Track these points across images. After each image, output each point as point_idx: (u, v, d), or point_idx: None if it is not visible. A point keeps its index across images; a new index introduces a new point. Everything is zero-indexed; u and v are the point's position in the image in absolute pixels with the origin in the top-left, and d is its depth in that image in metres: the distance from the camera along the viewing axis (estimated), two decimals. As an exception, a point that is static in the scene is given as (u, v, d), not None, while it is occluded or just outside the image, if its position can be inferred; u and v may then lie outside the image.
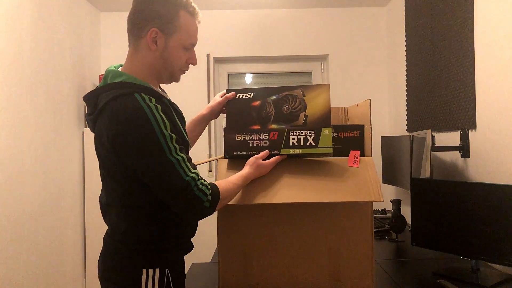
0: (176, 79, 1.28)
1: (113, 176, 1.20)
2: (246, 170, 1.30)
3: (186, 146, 1.21)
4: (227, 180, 1.25)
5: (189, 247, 1.31)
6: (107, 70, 1.22)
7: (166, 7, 1.18)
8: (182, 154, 1.14)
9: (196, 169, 1.18)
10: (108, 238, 1.25)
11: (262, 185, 1.31)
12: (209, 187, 1.17)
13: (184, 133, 1.22)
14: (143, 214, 1.20)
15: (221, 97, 1.46)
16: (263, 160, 1.33)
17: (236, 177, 1.27)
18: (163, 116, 1.13)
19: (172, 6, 1.18)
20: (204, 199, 1.14)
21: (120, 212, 1.22)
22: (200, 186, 1.15)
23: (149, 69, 1.22)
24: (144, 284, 1.17)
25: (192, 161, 1.23)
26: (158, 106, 1.13)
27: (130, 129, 1.10)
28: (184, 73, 1.28)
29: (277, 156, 1.34)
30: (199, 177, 1.16)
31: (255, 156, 1.33)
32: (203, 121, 1.51)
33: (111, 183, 1.21)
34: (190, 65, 1.29)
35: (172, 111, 1.20)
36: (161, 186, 1.13)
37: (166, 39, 1.19)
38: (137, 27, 1.20)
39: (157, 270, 1.19)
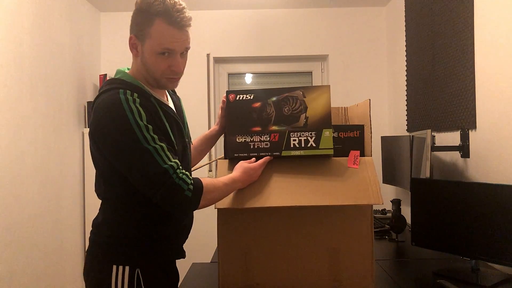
0: (164, 86, 1.26)
1: (98, 169, 1.23)
2: (234, 173, 1.29)
3: (171, 146, 1.20)
4: (214, 178, 1.24)
5: (173, 252, 1.29)
6: (117, 69, 1.28)
7: (142, 15, 1.18)
8: (161, 144, 1.13)
9: (177, 160, 1.16)
10: (90, 233, 1.29)
11: (260, 186, 1.30)
12: (190, 177, 1.16)
13: (170, 134, 1.21)
14: (119, 208, 1.22)
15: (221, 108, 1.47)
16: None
17: (224, 177, 1.26)
18: (140, 108, 1.14)
19: (147, 14, 1.17)
20: (184, 188, 1.12)
21: (101, 205, 1.26)
22: (181, 174, 1.13)
23: (138, 73, 1.25)
24: (114, 281, 1.17)
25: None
26: (137, 99, 1.15)
27: (106, 121, 1.14)
28: (172, 80, 1.25)
29: (265, 158, 1.33)
30: (180, 166, 1.15)
31: (242, 161, 1.32)
32: (216, 136, 1.53)
33: (98, 176, 1.25)
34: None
35: (158, 110, 1.21)
36: (138, 175, 1.12)
37: (142, 46, 1.20)
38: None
39: (127, 268, 1.18)
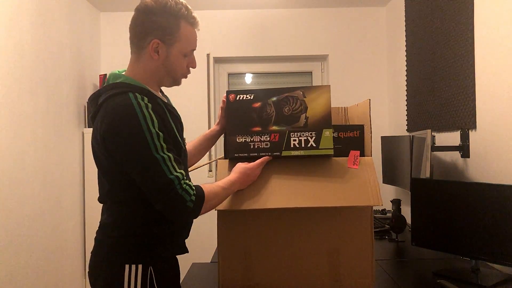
0: (178, 83, 1.32)
1: (104, 171, 1.23)
2: (231, 175, 1.29)
3: (178, 148, 1.22)
4: (213, 183, 1.25)
5: (179, 248, 1.30)
6: (110, 73, 1.28)
7: (167, 19, 1.21)
8: (169, 154, 1.15)
9: (183, 170, 1.18)
10: (96, 235, 1.28)
11: (260, 187, 1.30)
12: (193, 187, 1.17)
13: (177, 135, 1.23)
14: (127, 209, 1.22)
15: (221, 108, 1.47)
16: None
17: (223, 181, 1.27)
18: (152, 114, 1.15)
19: (173, 18, 1.21)
20: (187, 199, 1.14)
21: (109, 207, 1.26)
22: (184, 185, 1.15)
23: (150, 75, 1.26)
24: (127, 280, 1.18)
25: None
26: (149, 104, 1.16)
27: (118, 125, 1.14)
28: (186, 77, 1.32)
29: (263, 158, 1.33)
30: (184, 177, 1.17)
31: (240, 163, 1.33)
32: (216, 136, 1.54)
33: (102, 178, 1.25)
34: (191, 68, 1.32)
35: (166, 112, 1.22)
36: (145, 182, 1.15)
37: (167, 49, 1.23)
38: (138, 37, 1.23)
39: (140, 267, 1.19)
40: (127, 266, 1.18)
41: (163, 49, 1.22)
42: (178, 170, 1.16)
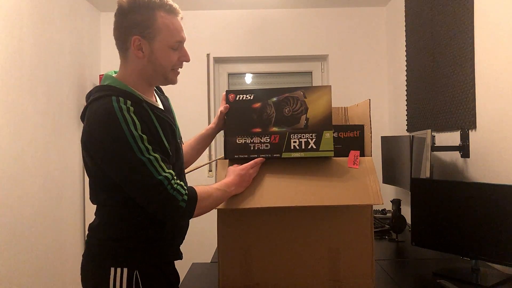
0: (172, 80, 1.26)
1: (91, 177, 1.23)
2: (225, 178, 1.28)
3: (165, 153, 1.19)
4: (206, 185, 1.24)
5: (168, 254, 1.28)
6: (105, 74, 1.26)
7: (141, 13, 1.16)
8: (155, 154, 1.12)
9: (172, 170, 1.16)
10: (86, 237, 1.28)
11: (260, 187, 1.30)
12: (185, 187, 1.15)
13: (163, 139, 1.20)
14: (114, 211, 1.21)
15: (223, 108, 1.45)
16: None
17: (217, 183, 1.26)
18: (134, 117, 1.12)
19: (146, 10, 1.17)
20: (179, 198, 1.12)
21: (96, 209, 1.26)
22: (175, 185, 1.13)
23: (139, 76, 1.22)
24: (112, 284, 1.17)
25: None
26: (131, 108, 1.13)
27: (99, 129, 1.12)
28: (178, 72, 1.27)
29: (256, 159, 1.32)
30: (174, 177, 1.14)
31: (231, 166, 1.31)
32: (212, 135, 1.51)
33: (91, 184, 1.25)
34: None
35: (151, 116, 1.19)
36: (133, 185, 1.12)
37: (150, 44, 1.18)
38: (121, 40, 1.21)
39: (125, 270, 1.18)
40: (112, 269, 1.17)
41: (146, 45, 1.18)
42: (167, 171, 1.13)
